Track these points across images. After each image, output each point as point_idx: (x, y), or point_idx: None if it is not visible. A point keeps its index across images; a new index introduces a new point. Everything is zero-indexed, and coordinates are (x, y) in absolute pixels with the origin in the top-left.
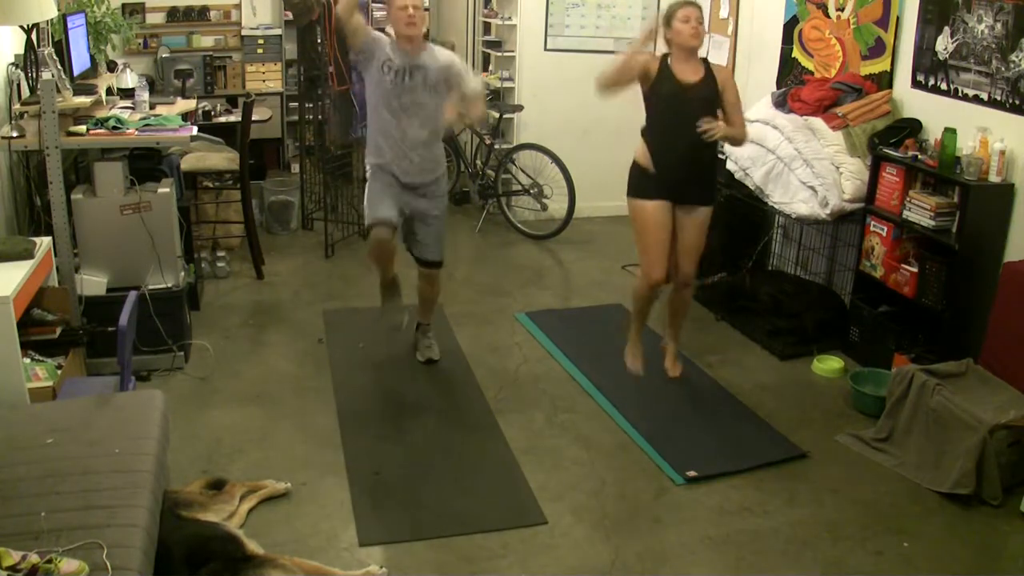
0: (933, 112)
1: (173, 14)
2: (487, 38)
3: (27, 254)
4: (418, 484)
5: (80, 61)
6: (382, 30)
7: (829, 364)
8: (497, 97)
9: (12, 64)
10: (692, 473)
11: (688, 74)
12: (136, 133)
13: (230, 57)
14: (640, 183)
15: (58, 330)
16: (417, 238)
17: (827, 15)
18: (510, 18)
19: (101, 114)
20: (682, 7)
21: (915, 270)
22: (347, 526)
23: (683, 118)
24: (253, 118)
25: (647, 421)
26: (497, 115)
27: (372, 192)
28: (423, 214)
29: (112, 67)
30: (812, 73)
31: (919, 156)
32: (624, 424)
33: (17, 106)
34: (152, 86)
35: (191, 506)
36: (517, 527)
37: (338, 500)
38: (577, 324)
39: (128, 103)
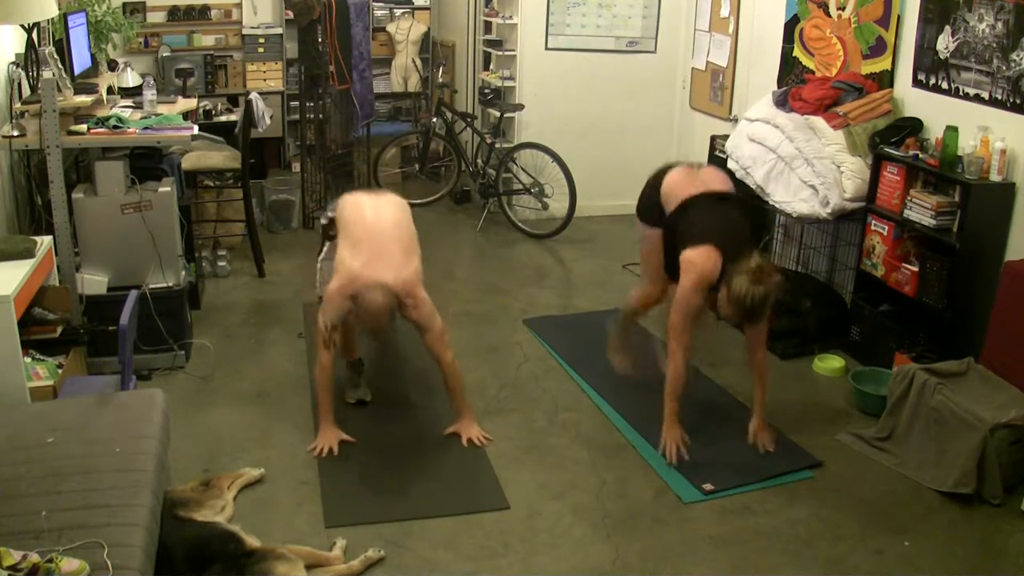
0: (934, 111)
1: (174, 13)
2: (488, 37)
3: (28, 253)
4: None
5: (81, 60)
6: None
7: (830, 363)
8: (498, 96)
9: (13, 63)
10: (709, 487)
11: None
12: (137, 132)
13: (231, 56)
14: None
15: (59, 329)
16: None
17: (828, 14)
18: (511, 17)
19: (102, 113)
20: None
21: (916, 269)
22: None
23: None
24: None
25: (654, 434)
26: (498, 114)
27: None
28: None
29: (113, 66)
30: (813, 72)
31: (920, 155)
32: (633, 438)
33: (18, 105)
34: None
35: (187, 505)
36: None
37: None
38: (579, 331)
39: (128, 102)
